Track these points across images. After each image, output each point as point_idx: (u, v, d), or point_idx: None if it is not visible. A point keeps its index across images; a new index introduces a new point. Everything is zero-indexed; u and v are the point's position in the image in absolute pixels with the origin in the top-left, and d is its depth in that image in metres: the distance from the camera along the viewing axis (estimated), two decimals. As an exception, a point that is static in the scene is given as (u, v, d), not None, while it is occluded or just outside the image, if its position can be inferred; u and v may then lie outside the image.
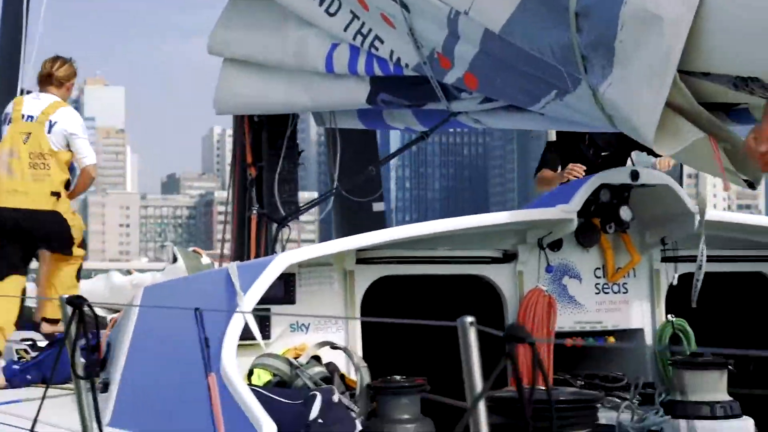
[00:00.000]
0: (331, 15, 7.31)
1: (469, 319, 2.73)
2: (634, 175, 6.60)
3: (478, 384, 2.63)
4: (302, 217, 9.24)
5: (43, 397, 4.22)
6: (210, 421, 5.30)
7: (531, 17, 5.95)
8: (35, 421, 5.08)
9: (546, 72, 5.99)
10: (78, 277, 10.49)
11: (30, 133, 9.99)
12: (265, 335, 6.01)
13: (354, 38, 7.23)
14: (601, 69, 5.56)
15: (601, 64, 5.55)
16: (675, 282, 6.79)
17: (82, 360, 7.81)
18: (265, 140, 8.81)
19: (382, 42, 7.05)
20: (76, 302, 4.44)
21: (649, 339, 6.91)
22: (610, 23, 5.33)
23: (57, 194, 10.02)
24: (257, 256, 8.50)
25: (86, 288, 10.59)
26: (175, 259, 10.84)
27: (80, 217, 10.91)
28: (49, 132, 9.99)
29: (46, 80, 10.52)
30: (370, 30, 7.10)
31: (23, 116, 10.13)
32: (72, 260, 10.38)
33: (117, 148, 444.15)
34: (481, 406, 2.73)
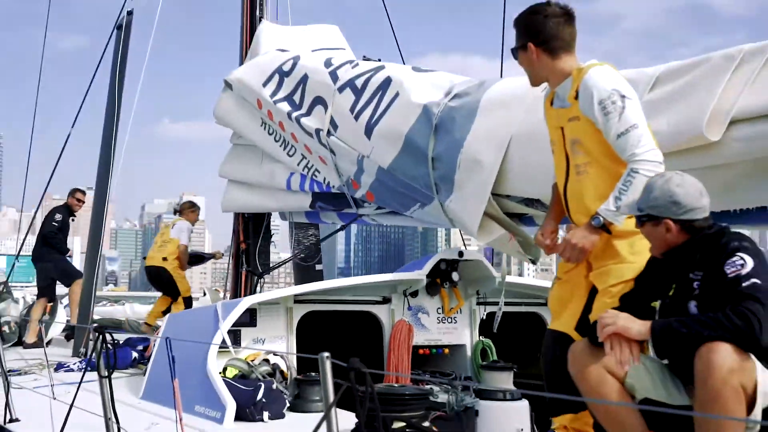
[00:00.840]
0: (290, 156, 7.03)
1: (326, 354, 2.56)
2: (460, 253, 6.43)
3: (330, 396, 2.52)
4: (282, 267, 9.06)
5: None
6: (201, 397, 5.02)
7: (405, 160, 5.70)
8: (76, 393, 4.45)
9: (414, 193, 5.76)
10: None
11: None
12: (236, 345, 5.66)
13: (303, 170, 6.96)
14: (446, 192, 5.42)
15: (446, 189, 5.41)
16: (484, 317, 6.66)
17: (135, 354, 7.39)
18: (250, 228, 8.46)
19: (319, 172, 6.78)
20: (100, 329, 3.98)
21: (468, 351, 6.66)
22: (452, 164, 5.26)
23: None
24: (245, 295, 8.06)
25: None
26: (204, 294, 10.71)
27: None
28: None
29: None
30: (312, 165, 6.82)
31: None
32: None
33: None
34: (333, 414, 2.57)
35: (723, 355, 2.65)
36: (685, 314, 3.02)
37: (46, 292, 11.04)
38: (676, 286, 3.16)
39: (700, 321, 2.82)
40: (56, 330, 11.10)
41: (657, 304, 3.23)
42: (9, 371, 6.79)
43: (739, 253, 2.90)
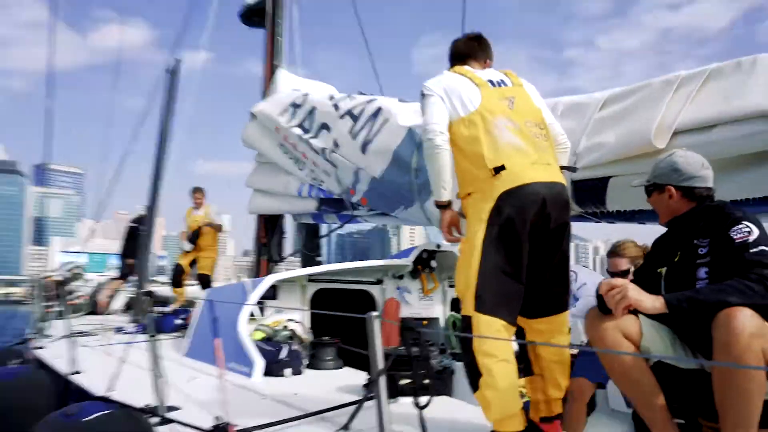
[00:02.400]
0: (300, 170, 6.56)
1: (375, 313, 2.40)
2: (438, 246, 6.10)
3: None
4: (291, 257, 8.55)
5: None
6: (234, 355, 4.61)
7: (393, 171, 5.27)
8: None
9: (400, 197, 5.32)
10: None
11: None
12: (261, 314, 5.38)
13: (311, 180, 6.52)
14: (425, 196, 5.01)
15: (425, 193, 4.99)
16: (454, 296, 6.18)
17: (179, 321, 7.02)
18: (269, 226, 7.94)
19: (323, 182, 6.30)
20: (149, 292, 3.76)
21: (442, 323, 6.37)
22: None
23: None
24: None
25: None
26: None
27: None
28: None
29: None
30: (318, 177, 6.34)
31: None
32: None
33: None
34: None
35: (743, 320, 2.10)
36: (693, 279, 2.44)
37: (121, 277, 11.01)
38: (681, 253, 2.57)
39: (721, 290, 2.21)
40: (120, 303, 11.14)
41: (663, 270, 2.62)
42: (79, 333, 6.55)
43: (744, 221, 2.35)
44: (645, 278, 2.65)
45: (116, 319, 9.18)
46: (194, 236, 8.90)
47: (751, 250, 2.26)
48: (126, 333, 7.09)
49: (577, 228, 3.80)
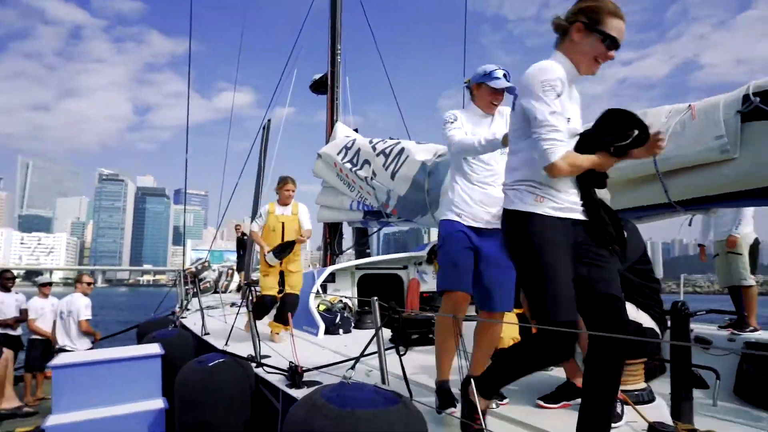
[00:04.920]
0: (351, 191, 6.74)
1: (375, 297, 2.47)
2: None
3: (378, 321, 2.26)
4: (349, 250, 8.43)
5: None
6: (305, 321, 4.62)
7: (412, 191, 5.41)
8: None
9: (417, 208, 5.43)
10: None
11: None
12: (324, 292, 5.52)
13: (358, 198, 6.67)
14: (434, 208, 5.07)
15: (434, 206, 5.06)
16: None
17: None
18: (332, 230, 8.13)
19: (366, 199, 6.47)
20: (248, 283, 3.90)
21: None
22: (437, 193, 4.99)
23: None
24: (329, 265, 7.99)
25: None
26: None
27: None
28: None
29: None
30: (363, 196, 6.52)
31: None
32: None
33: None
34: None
35: None
36: None
37: (238, 269, 11.30)
38: None
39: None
40: (233, 286, 11.43)
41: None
42: (207, 307, 6.95)
43: None
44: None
45: (231, 297, 9.54)
46: (285, 248, 4.95)
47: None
48: (237, 306, 7.35)
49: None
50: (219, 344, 4.14)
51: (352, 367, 2.16)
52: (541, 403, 2.51)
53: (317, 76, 8.56)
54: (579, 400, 1.92)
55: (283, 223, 5.00)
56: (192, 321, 6.09)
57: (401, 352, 2.34)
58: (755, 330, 4.19)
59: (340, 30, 8.27)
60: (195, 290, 8.01)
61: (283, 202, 5.17)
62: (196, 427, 3.05)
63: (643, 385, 2.52)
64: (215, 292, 10.90)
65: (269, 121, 10.22)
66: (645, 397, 2.48)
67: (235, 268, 11.91)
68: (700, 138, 2.60)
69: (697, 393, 2.60)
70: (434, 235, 8.42)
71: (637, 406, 2.29)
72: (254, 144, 10.01)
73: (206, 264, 12.44)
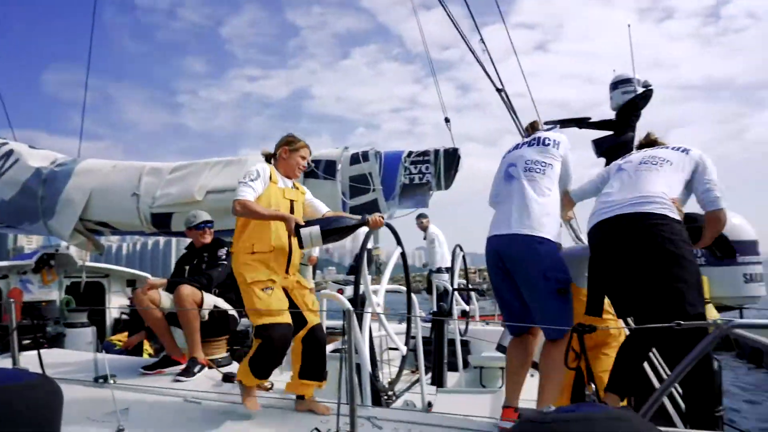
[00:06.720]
0: None
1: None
2: (56, 249, 5.57)
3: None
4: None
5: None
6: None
7: (20, 197, 4.82)
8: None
9: (27, 215, 4.81)
10: None
11: None
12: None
13: None
14: (50, 216, 4.70)
15: (50, 214, 4.69)
16: (68, 284, 5.74)
17: None
18: None
19: None
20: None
21: (58, 303, 5.76)
22: (55, 201, 4.72)
23: None
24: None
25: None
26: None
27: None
28: None
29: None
30: None
31: None
32: None
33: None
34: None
35: None
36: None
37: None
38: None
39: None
40: None
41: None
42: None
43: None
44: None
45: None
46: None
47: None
48: None
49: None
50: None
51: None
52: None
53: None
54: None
55: (292, 202, 2.80)
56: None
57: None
58: None
59: None
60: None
61: (290, 173, 2.88)
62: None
63: (224, 354, 3.58)
64: None
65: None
66: (225, 362, 3.46)
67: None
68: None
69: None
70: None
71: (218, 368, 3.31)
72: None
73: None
